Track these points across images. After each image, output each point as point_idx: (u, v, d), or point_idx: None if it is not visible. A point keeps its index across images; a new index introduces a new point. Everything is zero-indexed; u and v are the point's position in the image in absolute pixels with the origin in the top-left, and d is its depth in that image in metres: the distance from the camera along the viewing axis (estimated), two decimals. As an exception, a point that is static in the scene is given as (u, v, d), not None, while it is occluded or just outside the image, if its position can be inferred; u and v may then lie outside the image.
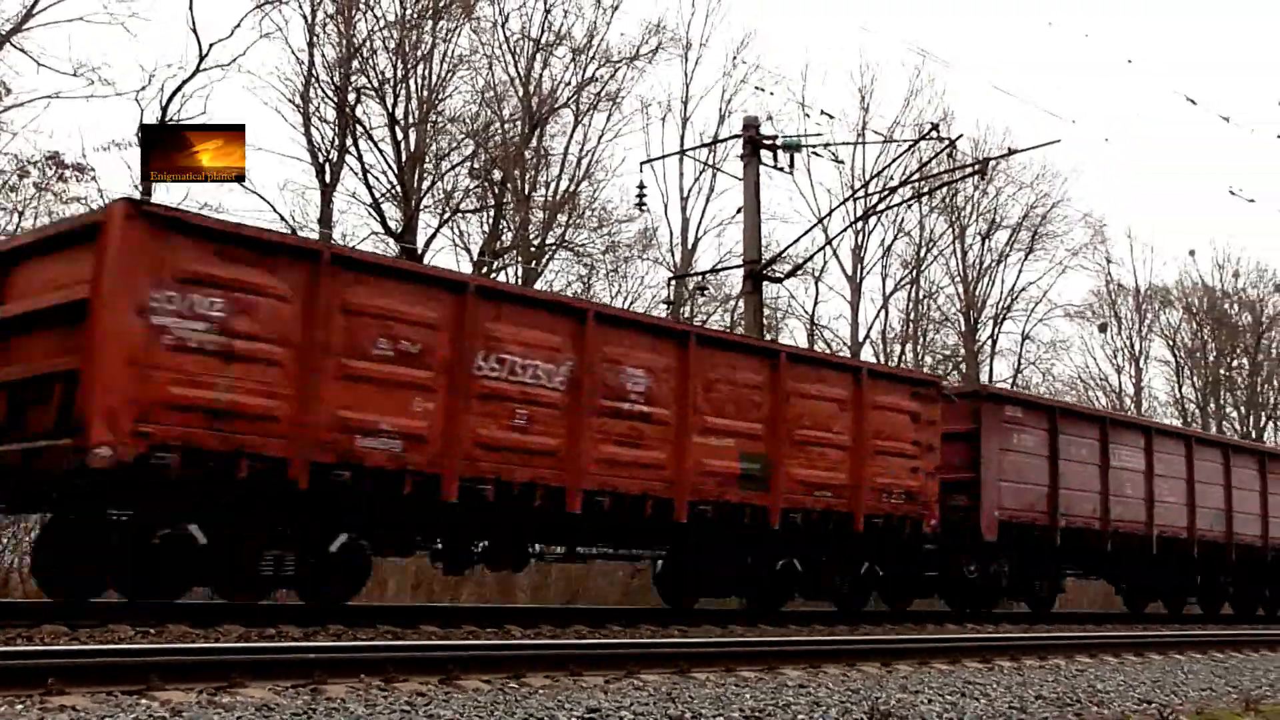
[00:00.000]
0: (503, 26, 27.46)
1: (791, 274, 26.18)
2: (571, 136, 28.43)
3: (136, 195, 20.24)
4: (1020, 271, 39.00)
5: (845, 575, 15.43)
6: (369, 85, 24.59)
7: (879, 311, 36.65)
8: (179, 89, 21.91)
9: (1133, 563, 20.53)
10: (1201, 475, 21.40)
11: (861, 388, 15.11)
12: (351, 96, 24.31)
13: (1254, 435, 43.22)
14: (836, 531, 14.80)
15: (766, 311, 27.39)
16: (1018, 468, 17.77)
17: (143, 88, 22.11)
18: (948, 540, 16.56)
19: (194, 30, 22.18)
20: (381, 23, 24.76)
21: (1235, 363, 46.38)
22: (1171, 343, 45.99)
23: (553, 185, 28.22)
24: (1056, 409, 19.24)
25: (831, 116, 24.14)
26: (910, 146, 28.07)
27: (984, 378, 36.59)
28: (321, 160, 24.25)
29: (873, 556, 15.75)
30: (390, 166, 24.90)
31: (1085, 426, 19.34)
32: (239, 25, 22.60)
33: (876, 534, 15.25)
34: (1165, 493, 20.45)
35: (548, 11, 27.55)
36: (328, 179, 24.25)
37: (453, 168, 26.28)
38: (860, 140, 33.69)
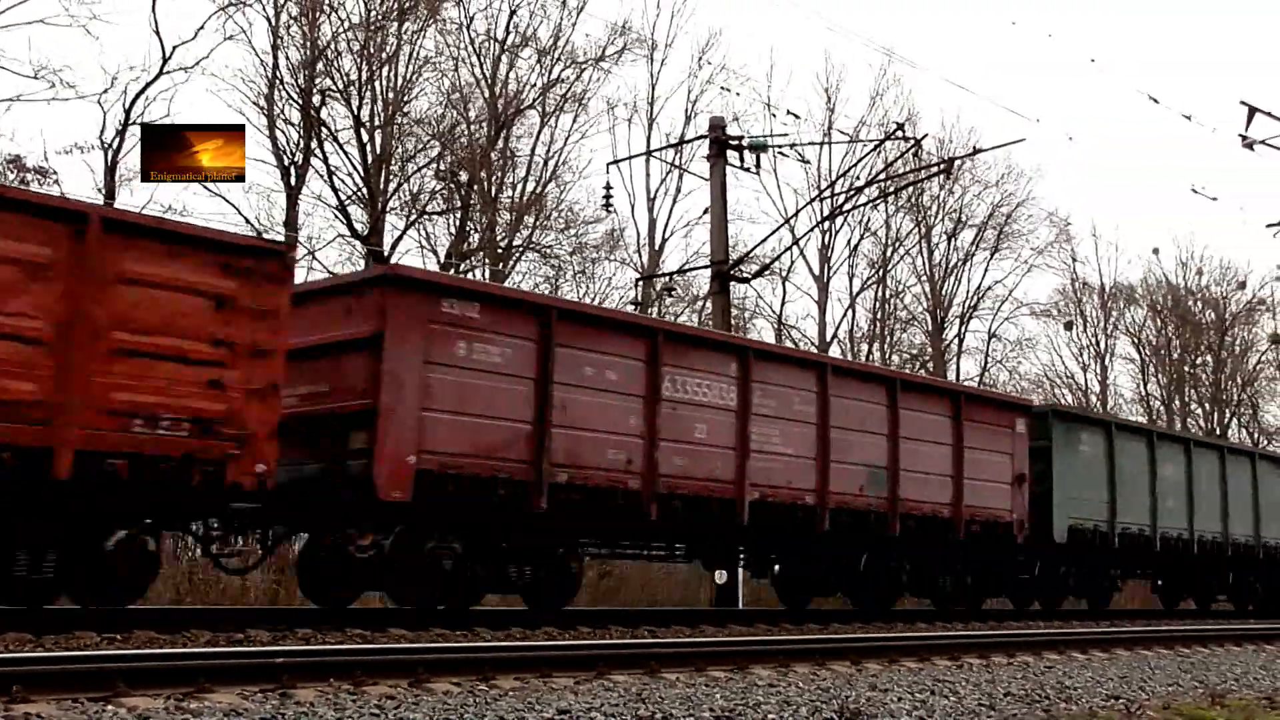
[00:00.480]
0: (468, 28, 27.50)
1: (759, 274, 26.29)
2: (538, 138, 28.50)
3: (101, 199, 20.16)
4: (986, 270, 39.42)
5: (46, 554, 9.67)
6: (334, 87, 24.61)
7: (846, 311, 36.99)
8: (142, 91, 21.84)
9: (710, 537, 15.17)
10: (845, 419, 15.79)
11: (82, 246, 9.61)
12: (316, 99, 24.29)
13: (1219, 431, 43.63)
14: None
15: (734, 312, 27.46)
16: (463, 393, 11.99)
17: (105, 90, 21.90)
18: (320, 493, 11.73)
19: (157, 33, 22.12)
20: (346, 25, 24.75)
21: (1200, 359, 46.88)
22: (1136, 340, 46.49)
23: (519, 187, 28.28)
24: (553, 309, 13.05)
25: (797, 116, 24.20)
26: (876, 146, 28.18)
27: (951, 375, 36.77)
28: (287, 163, 24.24)
29: (127, 519, 10.09)
30: (356, 168, 24.93)
31: (615, 340, 13.51)
32: (202, 28, 22.53)
33: (109, 482, 9.67)
34: (774, 440, 14.90)
35: (513, 13, 27.62)
36: (293, 181, 24.21)
37: (419, 169, 26.32)
38: (826, 140, 33.92)
